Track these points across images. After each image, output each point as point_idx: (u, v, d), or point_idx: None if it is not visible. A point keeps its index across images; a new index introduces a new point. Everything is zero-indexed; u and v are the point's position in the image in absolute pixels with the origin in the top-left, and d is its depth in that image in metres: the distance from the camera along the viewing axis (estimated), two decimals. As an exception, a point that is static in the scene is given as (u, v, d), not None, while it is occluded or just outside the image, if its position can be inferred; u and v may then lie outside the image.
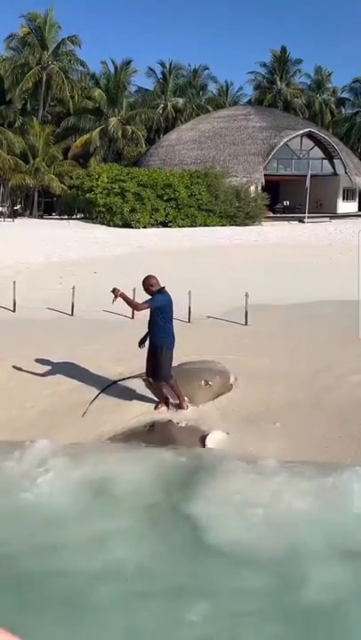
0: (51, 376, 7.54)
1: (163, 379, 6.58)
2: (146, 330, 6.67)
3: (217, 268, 16.52)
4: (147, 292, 6.51)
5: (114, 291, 6.31)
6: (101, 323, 10.06)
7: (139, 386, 7.09)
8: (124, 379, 7.27)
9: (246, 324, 10.15)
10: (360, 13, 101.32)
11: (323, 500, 4.82)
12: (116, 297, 6.32)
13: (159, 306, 6.45)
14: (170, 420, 6.37)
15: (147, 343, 6.66)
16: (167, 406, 6.65)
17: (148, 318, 6.67)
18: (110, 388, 7.13)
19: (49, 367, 7.75)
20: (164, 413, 6.56)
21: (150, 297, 6.44)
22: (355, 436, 6.14)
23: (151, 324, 6.58)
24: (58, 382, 7.41)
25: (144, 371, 6.83)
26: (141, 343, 6.67)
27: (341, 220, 32.69)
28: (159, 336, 6.53)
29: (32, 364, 7.92)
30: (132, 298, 6.88)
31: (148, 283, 6.47)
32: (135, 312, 8.78)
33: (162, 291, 6.46)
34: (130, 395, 6.95)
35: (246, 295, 10.37)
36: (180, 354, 7.04)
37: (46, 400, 7.03)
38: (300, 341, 9.14)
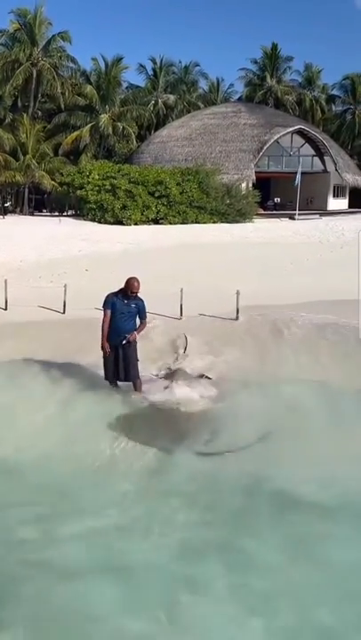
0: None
1: (137, 376, 6.83)
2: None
3: (208, 265, 16.55)
4: (131, 294, 6.58)
5: (128, 340, 6.60)
6: (93, 320, 10.07)
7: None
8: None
9: (237, 319, 10.25)
10: (349, 10, 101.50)
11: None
12: (132, 339, 6.60)
13: None
14: None
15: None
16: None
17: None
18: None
19: (39, 365, 7.80)
20: None
21: (133, 300, 6.63)
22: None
23: (128, 325, 6.69)
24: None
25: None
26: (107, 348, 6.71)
27: (332, 217, 32.82)
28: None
29: (22, 360, 7.97)
30: None
31: (137, 286, 6.60)
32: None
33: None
34: None
35: (238, 293, 10.46)
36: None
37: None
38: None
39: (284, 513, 4.83)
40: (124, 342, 6.61)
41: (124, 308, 6.66)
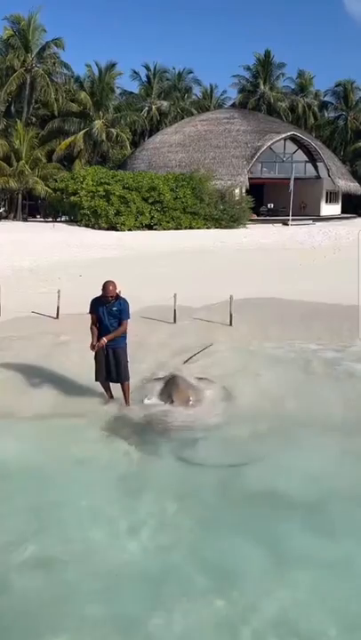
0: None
1: (128, 377, 6.95)
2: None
3: (202, 270, 16.59)
4: (106, 297, 6.67)
5: (95, 346, 6.69)
6: (86, 326, 10.07)
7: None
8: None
9: (231, 324, 10.26)
10: (343, 18, 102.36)
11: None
12: (100, 346, 6.67)
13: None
14: None
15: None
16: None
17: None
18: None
19: (29, 369, 7.80)
20: None
21: (114, 303, 6.73)
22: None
23: (113, 327, 6.78)
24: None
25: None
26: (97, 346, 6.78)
27: (325, 223, 32.99)
28: (123, 341, 6.90)
29: (14, 365, 7.95)
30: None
31: (112, 289, 6.68)
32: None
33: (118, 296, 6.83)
34: None
35: (231, 297, 10.50)
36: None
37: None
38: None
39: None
40: (95, 348, 6.74)
41: (105, 312, 6.80)
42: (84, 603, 3.87)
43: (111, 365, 6.87)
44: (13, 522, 4.76)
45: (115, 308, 6.76)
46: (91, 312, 6.88)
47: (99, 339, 6.73)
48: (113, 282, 6.75)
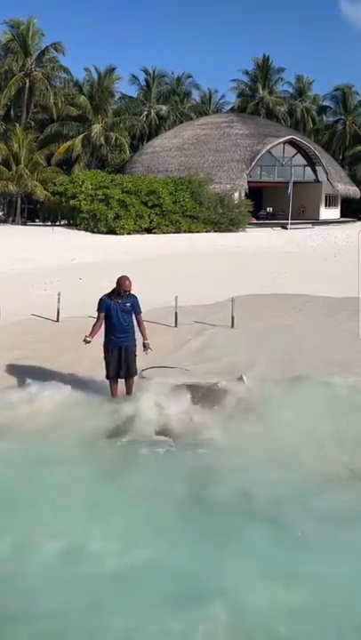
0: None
1: (136, 372, 6.97)
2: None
3: (201, 273, 16.55)
4: (123, 293, 6.61)
5: (85, 341, 6.71)
6: (87, 328, 10.01)
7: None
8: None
9: (233, 326, 10.21)
10: (340, 23, 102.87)
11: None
12: (149, 346, 6.81)
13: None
14: None
15: (100, 341, 6.87)
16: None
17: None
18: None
19: (31, 370, 7.72)
20: None
21: (126, 298, 6.68)
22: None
23: (127, 323, 6.76)
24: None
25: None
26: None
27: (324, 227, 33.01)
28: (133, 337, 6.86)
29: (17, 366, 7.88)
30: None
31: (128, 285, 6.65)
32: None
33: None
34: None
35: (233, 300, 10.46)
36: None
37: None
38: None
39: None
40: (146, 352, 6.82)
41: (119, 308, 6.70)
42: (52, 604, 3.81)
43: (122, 362, 6.81)
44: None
45: (128, 304, 6.71)
46: (100, 310, 6.75)
47: (109, 336, 6.70)
48: (128, 277, 6.68)
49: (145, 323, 6.97)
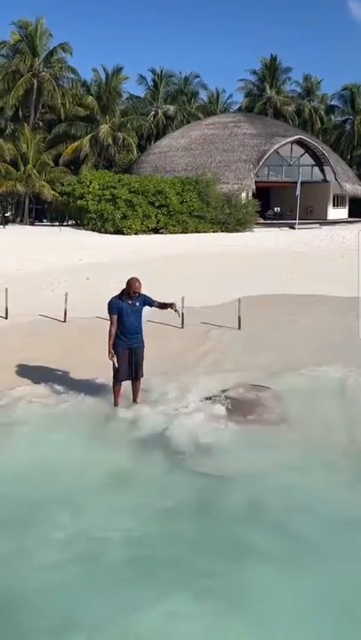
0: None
1: (143, 374, 6.90)
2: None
3: (208, 273, 16.53)
4: (133, 294, 6.59)
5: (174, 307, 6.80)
6: (94, 328, 10.04)
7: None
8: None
9: (240, 328, 10.19)
10: (348, 23, 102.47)
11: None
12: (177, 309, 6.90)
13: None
14: None
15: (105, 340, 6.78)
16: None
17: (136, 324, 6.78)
18: None
19: (38, 371, 7.74)
20: None
21: (136, 298, 6.64)
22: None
23: (138, 324, 6.74)
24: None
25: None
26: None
27: (332, 227, 32.88)
28: (142, 338, 6.85)
29: (23, 367, 7.90)
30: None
31: (138, 286, 6.63)
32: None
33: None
34: None
35: (239, 301, 10.44)
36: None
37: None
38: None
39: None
40: (175, 310, 6.82)
41: (130, 309, 6.65)
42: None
43: (132, 363, 6.75)
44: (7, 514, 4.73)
45: (138, 304, 6.67)
46: (112, 312, 6.63)
47: (119, 337, 6.63)
48: (138, 278, 6.64)
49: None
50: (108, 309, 6.68)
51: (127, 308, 6.64)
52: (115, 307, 6.63)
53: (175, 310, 6.82)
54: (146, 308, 6.82)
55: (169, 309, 6.82)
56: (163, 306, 6.83)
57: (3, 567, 4.20)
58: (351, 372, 7.88)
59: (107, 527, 4.66)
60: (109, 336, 6.66)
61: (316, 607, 3.85)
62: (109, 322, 6.70)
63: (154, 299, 6.80)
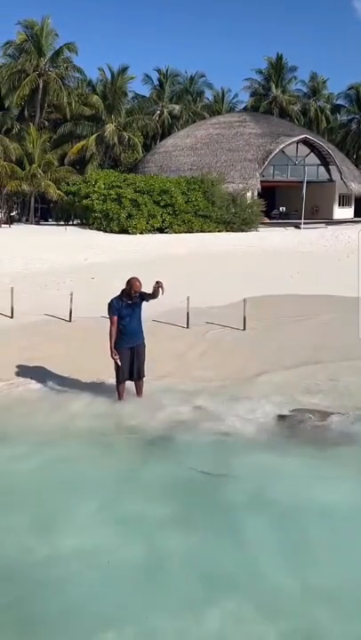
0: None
1: (144, 374, 6.90)
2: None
3: (214, 273, 16.51)
4: (134, 294, 6.61)
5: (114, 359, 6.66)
6: (100, 327, 10.04)
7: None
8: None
9: (244, 328, 10.17)
10: (354, 22, 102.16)
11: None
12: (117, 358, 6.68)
13: None
14: None
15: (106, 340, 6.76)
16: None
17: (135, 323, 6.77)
18: None
19: (45, 370, 7.75)
20: None
21: (135, 299, 6.64)
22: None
23: (139, 325, 6.78)
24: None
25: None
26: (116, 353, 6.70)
27: (338, 226, 32.78)
28: (143, 337, 6.87)
29: (29, 367, 7.90)
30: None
31: (139, 285, 6.64)
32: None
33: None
34: None
35: (244, 301, 10.42)
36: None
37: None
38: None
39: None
40: (160, 287, 6.54)
41: (129, 309, 6.70)
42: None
43: (134, 363, 6.78)
44: (16, 518, 4.74)
45: (137, 302, 6.71)
46: (112, 313, 6.68)
47: (120, 337, 6.64)
48: (138, 278, 6.66)
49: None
50: (109, 310, 6.76)
51: (127, 308, 6.69)
52: (115, 307, 6.71)
53: (160, 287, 6.59)
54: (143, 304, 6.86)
55: (159, 291, 6.61)
56: (153, 294, 6.69)
57: (3, 570, 4.22)
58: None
59: (106, 527, 4.66)
60: (110, 336, 6.72)
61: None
62: (109, 322, 6.77)
63: (145, 291, 6.74)
